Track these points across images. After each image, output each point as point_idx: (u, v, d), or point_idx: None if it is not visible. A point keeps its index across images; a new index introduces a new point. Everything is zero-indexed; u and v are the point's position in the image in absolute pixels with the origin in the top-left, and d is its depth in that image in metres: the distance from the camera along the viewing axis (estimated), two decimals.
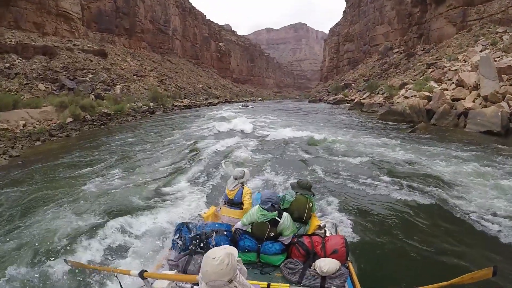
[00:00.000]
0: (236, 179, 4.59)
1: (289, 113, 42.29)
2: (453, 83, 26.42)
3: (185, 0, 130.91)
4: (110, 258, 5.00)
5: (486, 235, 5.69)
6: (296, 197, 4.09)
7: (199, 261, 3.11)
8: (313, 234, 3.87)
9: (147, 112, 44.08)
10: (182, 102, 67.29)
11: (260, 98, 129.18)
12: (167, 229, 5.83)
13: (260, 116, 33.16)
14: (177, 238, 3.51)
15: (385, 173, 9.65)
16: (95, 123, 28.55)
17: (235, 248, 1.99)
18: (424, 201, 7.30)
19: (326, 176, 9.84)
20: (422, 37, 67.22)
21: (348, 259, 3.51)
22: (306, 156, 13.58)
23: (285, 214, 3.59)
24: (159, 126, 28.39)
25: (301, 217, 4.04)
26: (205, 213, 4.56)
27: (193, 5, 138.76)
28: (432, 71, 37.75)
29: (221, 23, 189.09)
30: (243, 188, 4.55)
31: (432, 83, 30.21)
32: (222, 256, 1.73)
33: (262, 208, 3.50)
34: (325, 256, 3.32)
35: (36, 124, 23.50)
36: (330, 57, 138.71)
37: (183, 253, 3.36)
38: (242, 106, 61.04)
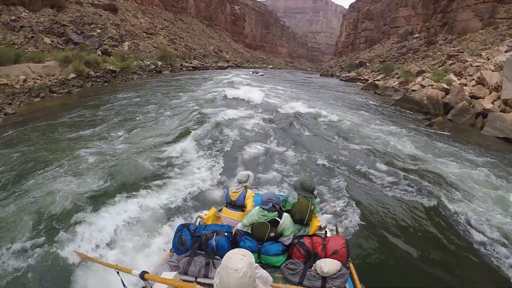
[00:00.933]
0: (240, 182, 4.49)
1: (301, 85, 41.23)
2: (473, 79, 25.33)
3: None
4: (108, 238, 4.99)
5: (478, 247, 5.72)
6: (298, 200, 4.05)
7: (199, 262, 3.17)
8: (314, 235, 3.83)
9: (154, 71, 43.14)
10: (191, 63, 65.82)
11: (270, 66, 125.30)
12: (169, 205, 6.12)
13: (271, 85, 32.32)
14: (178, 239, 3.48)
15: (393, 168, 9.37)
16: (98, 80, 27.70)
17: (251, 253, 1.85)
18: (428, 202, 7.18)
19: (329, 165, 9.41)
20: (445, 26, 64.45)
21: (349, 259, 3.48)
22: (313, 135, 13.17)
23: (285, 214, 3.56)
24: (166, 86, 27.70)
25: (302, 220, 4.04)
26: (205, 214, 4.47)
27: None
28: (452, 63, 36.47)
29: None
30: (246, 191, 4.48)
31: (452, 76, 29.18)
32: (245, 268, 1.64)
33: (263, 209, 3.49)
34: (326, 257, 3.30)
35: (38, 79, 22.68)
36: (347, 33, 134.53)
37: (183, 255, 3.35)
38: (252, 72, 58.53)
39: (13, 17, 38.65)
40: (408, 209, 6.88)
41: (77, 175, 7.29)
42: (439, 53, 50.83)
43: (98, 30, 48.70)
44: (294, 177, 8.20)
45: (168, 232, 5.05)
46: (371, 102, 27.40)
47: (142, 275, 2.75)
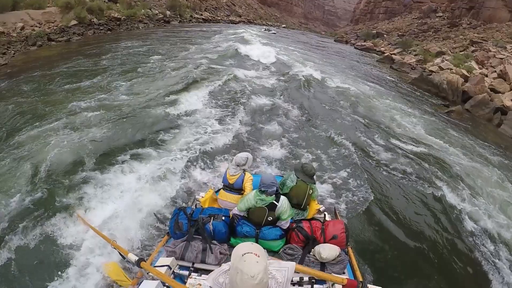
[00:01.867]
0: (238, 165, 4.33)
1: (314, 49, 40.40)
2: (495, 71, 24.33)
3: None
4: (105, 204, 4.98)
5: (472, 240, 5.75)
6: (296, 183, 4.01)
7: (196, 247, 3.13)
8: (313, 218, 3.80)
9: (162, 21, 41.43)
10: (201, 14, 63.36)
11: (284, 25, 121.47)
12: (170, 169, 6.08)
13: (283, 45, 31.72)
14: (174, 223, 3.44)
15: (400, 150, 9.19)
16: (101, 28, 26.31)
17: (264, 251, 1.74)
18: (431, 191, 7.08)
19: (333, 139, 9.17)
20: (471, 10, 61.45)
21: (348, 244, 3.44)
22: (322, 105, 12.81)
23: (282, 197, 3.50)
24: (173, 37, 26.85)
25: (300, 204, 4.00)
26: (202, 196, 4.38)
27: None
28: (475, 50, 35.23)
29: None
30: (244, 174, 4.34)
31: (473, 64, 28.21)
32: (261, 274, 1.51)
33: (260, 193, 3.42)
34: (325, 242, 3.27)
35: (36, 26, 21.27)
36: (367, 1, 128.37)
37: (180, 239, 3.29)
38: (265, 30, 58.39)
39: None
40: (410, 195, 6.79)
41: (75, 129, 7.15)
42: (461, 36, 48.67)
43: None
44: (295, 152, 8.00)
45: (164, 214, 4.98)
46: (387, 76, 26.41)
47: (138, 263, 2.72)
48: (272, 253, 3.35)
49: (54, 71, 12.65)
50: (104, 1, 34.90)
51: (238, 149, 7.34)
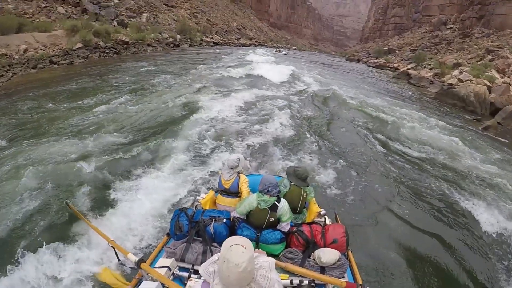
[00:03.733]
0: (231, 168, 4.23)
1: (328, 67, 39.97)
2: None
3: None
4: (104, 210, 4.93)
5: (481, 253, 5.25)
6: (290, 188, 3.93)
7: (196, 249, 3.13)
8: (313, 222, 3.77)
9: (172, 45, 41.34)
10: (212, 38, 63.51)
11: (294, 47, 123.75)
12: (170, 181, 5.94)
13: (296, 65, 30.77)
14: (175, 224, 3.42)
15: (419, 161, 8.71)
16: (107, 51, 26.02)
17: (250, 243, 1.81)
18: (442, 200, 6.71)
19: (355, 155, 8.85)
20: (482, 19, 59.78)
21: (348, 248, 3.39)
22: (344, 121, 11.97)
23: (283, 199, 3.50)
24: (182, 59, 26.44)
25: (295, 208, 3.90)
26: (203, 198, 4.33)
27: None
28: (492, 59, 33.98)
29: None
30: (239, 177, 4.24)
31: (494, 73, 27.15)
32: (245, 263, 1.64)
33: (262, 194, 3.39)
34: (325, 246, 3.24)
35: (40, 49, 21.19)
36: (376, 18, 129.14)
37: (180, 241, 3.28)
38: (276, 51, 60.19)
39: None
40: (417, 202, 6.53)
41: (75, 142, 7.09)
42: (475, 46, 47.20)
43: (116, 1, 46.48)
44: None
45: (165, 215, 5.00)
46: (408, 92, 25.19)
47: (138, 264, 2.71)
48: (273, 256, 3.06)
49: (47, 91, 12.35)
50: (114, 26, 35.17)
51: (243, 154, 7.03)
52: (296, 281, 2.87)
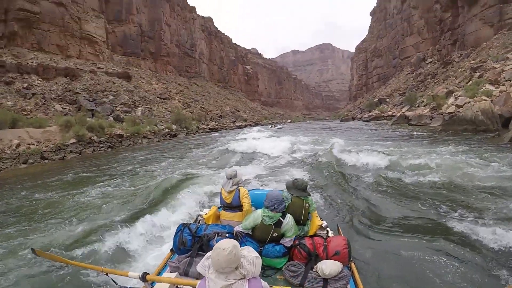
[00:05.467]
0: (230, 178, 4.33)
1: (327, 130, 39.09)
2: None
3: (210, 24, 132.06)
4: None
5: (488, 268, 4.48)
6: (292, 200, 3.98)
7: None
8: (315, 235, 3.81)
9: (169, 135, 41.60)
10: (207, 124, 64.92)
11: (289, 120, 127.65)
12: None
13: (294, 135, 29.02)
14: (178, 239, 3.47)
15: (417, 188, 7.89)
16: (101, 146, 25.80)
17: (236, 241, 2.14)
18: (443, 217, 6.13)
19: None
20: (456, 43, 62.11)
21: (351, 260, 3.40)
22: (355, 169, 10.85)
23: (288, 215, 3.55)
24: (177, 147, 25.64)
25: (298, 220, 3.93)
26: (206, 213, 4.42)
27: (219, 29, 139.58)
28: (480, 75, 34.38)
29: (247, 47, 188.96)
30: (239, 190, 4.32)
31: (488, 86, 27.33)
32: (230, 247, 2.03)
33: (268, 210, 3.44)
34: (327, 258, 3.25)
35: (33, 145, 21.22)
36: (359, 75, 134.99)
37: (184, 255, 3.34)
38: (271, 126, 62.84)
39: (25, 85, 39.30)
40: (420, 218, 6.24)
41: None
42: (459, 70, 48.30)
43: (111, 97, 48.78)
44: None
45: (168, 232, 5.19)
46: (413, 133, 23.52)
47: (144, 277, 2.73)
48: (275, 270, 3.36)
49: (34, 183, 11.93)
50: (110, 121, 35.90)
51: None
52: None
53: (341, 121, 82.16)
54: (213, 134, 43.55)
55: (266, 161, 14.39)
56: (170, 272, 3.13)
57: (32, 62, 44.71)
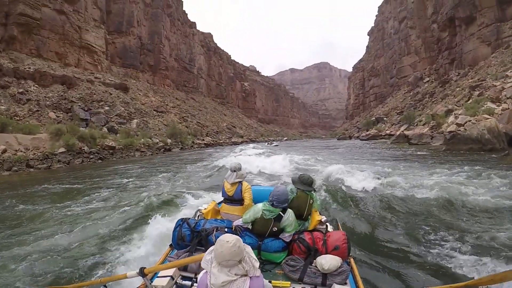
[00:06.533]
0: (234, 171, 4.40)
1: (325, 149, 37.28)
2: None
3: (210, 40, 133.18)
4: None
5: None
6: (297, 194, 3.99)
7: None
8: (314, 229, 3.80)
9: (163, 149, 40.69)
10: (203, 140, 64.03)
11: (285, 138, 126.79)
12: None
13: (291, 153, 27.25)
14: (177, 234, 3.49)
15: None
16: (91, 157, 24.82)
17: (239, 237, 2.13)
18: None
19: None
20: (454, 62, 62.34)
21: (350, 255, 3.44)
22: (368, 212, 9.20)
23: (289, 210, 3.52)
24: (171, 161, 24.49)
25: (301, 215, 3.94)
26: (205, 208, 4.43)
27: (218, 45, 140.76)
28: (480, 93, 34.18)
29: (245, 64, 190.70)
30: (242, 184, 4.39)
31: (490, 104, 27.13)
32: (234, 240, 2.02)
33: (268, 204, 3.44)
34: (327, 253, 3.26)
35: (21, 151, 20.25)
36: (355, 94, 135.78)
37: (183, 250, 3.35)
38: (268, 143, 62.32)
39: (21, 90, 38.54)
40: (418, 212, 6.52)
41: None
42: (458, 89, 48.21)
43: (106, 108, 48.04)
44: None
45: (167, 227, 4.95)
46: (418, 152, 22.17)
47: (142, 272, 2.64)
48: (274, 264, 3.34)
49: (12, 193, 11.08)
50: (104, 131, 34.99)
51: None
52: None
53: (338, 139, 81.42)
54: (208, 150, 42.51)
55: (261, 180, 13.34)
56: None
57: (30, 68, 44.15)
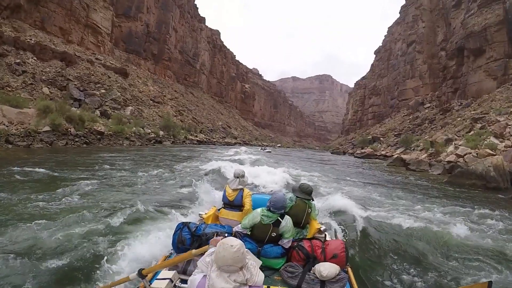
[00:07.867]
0: (237, 177, 4.49)
1: (318, 163, 35.02)
2: None
3: (217, 37, 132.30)
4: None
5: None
6: (296, 202, 4.03)
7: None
8: (313, 238, 3.85)
9: (154, 141, 39.61)
10: (196, 136, 63.16)
11: (279, 145, 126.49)
12: None
13: (285, 163, 25.26)
14: (178, 237, 3.50)
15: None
16: (77, 140, 23.62)
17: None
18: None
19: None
20: (457, 91, 61.72)
21: (348, 264, 3.48)
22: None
23: (287, 216, 3.55)
24: (159, 156, 22.67)
25: (299, 223, 3.99)
26: (205, 213, 4.47)
27: (224, 43, 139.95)
28: (482, 126, 33.78)
29: (249, 66, 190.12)
30: (243, 190, 4.48)
31: (493, 139, 26.44)
32: (238, 245, 1.89)
33: (266, 210, 3.47)
34: (325, 261, 3.31)
35: (4, 124, 19.08)
36: (354, 110, 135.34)
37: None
38: (261, 148, 61.23)
39: (18, 61, 37.29)
40: (415, 225, 6.32)
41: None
42: (459, 119, 47.78)
43: (102, 90, 46.73)
44: None
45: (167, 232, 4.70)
46: (418, 181, 20.30)
47: (140, 273, 2.60)
48: (273, 270, 3.36)
49: None
50: (97, 115, 33.72)
51: None
52: None
53: (331, 153, 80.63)
54: (199, 148, 40.97)
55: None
56: (168, 270, 3.05)
57: (31, 39, 42.87)
